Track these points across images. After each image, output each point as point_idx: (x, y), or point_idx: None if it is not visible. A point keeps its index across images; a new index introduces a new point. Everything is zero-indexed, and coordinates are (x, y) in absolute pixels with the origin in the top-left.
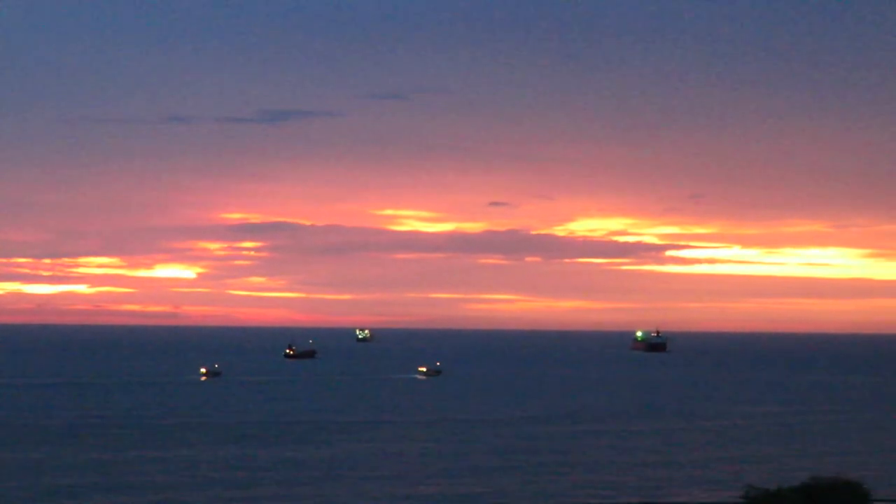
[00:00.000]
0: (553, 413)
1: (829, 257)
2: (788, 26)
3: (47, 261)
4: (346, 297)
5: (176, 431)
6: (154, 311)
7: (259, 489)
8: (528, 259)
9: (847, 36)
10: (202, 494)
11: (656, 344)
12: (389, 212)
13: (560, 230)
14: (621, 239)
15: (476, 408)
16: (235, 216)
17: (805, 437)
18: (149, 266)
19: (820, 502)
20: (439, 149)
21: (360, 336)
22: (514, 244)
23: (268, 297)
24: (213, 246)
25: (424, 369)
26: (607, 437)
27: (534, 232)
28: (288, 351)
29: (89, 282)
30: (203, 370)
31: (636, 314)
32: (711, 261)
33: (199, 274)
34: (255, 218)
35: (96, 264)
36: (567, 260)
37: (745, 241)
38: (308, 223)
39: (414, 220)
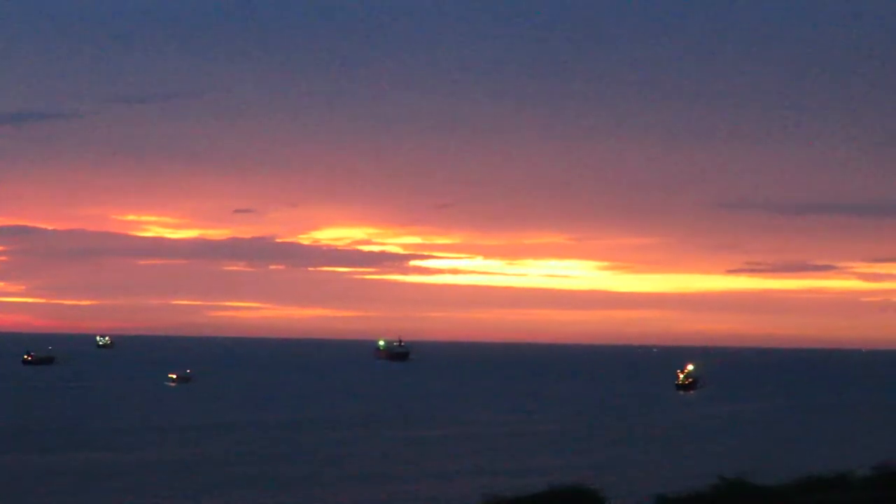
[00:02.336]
0: (302, 419)
1: (569, 269)
2: (534, 42)
3: None
4: (88, 302)
5: None
6: None
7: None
8: (273, 267)
9: (588, 55)
10: None
11: (399, 353)
12: (132, 217)
13: (305, 238)
14: (366, 248)
15: (230, 414)
16: None
17: (543, 443)
18: None
19: None
20: (184, 154)
21: (100, 342)
22: (258, 251)
23: (6, 301)
24: None
25: (175, 376)
26: (353, 445)
27: (279, 240)
28: (26, 357)
29: None
30: None
31: (380, 323)
32: (454, 271)
33: None
34: None
35: None
36: (311, 268)
37: (488, 252)
38: (50, 227)
39: (157, 227)
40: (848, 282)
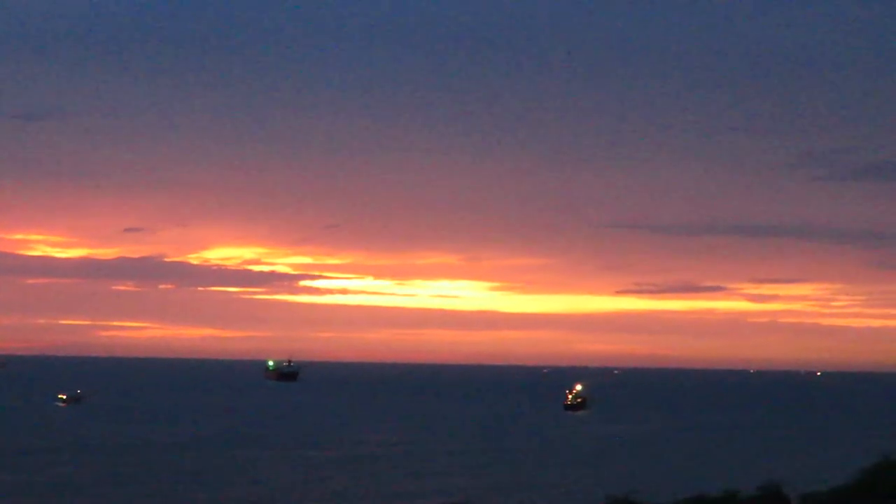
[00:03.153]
0: (190, 440)
1: (460, 289)
2: (423, 62)
3: None
4: None
5: None
6: None
7: None
8: (162, 286)
9: (478, 76)
10: None
11: (288, 373)
12: (20, 236)
13: (194, 258)
14: (255, 268)
15: (120, 434)
16: None
17: (433, 464)
18: None
19: None
20: (73, 173)
21: None
22: (148, 271)
23: None
24: None
25: (64, 396)
26: (240, 466)
27: (168, 259)
28: None
29: None
30: None
31: (269, 343)
32: (344, 291)
33: None
34: None
35: None
36: (201, 288)
37: (378, 273)
38: None
39: (45, 245)
40: (735, 303)
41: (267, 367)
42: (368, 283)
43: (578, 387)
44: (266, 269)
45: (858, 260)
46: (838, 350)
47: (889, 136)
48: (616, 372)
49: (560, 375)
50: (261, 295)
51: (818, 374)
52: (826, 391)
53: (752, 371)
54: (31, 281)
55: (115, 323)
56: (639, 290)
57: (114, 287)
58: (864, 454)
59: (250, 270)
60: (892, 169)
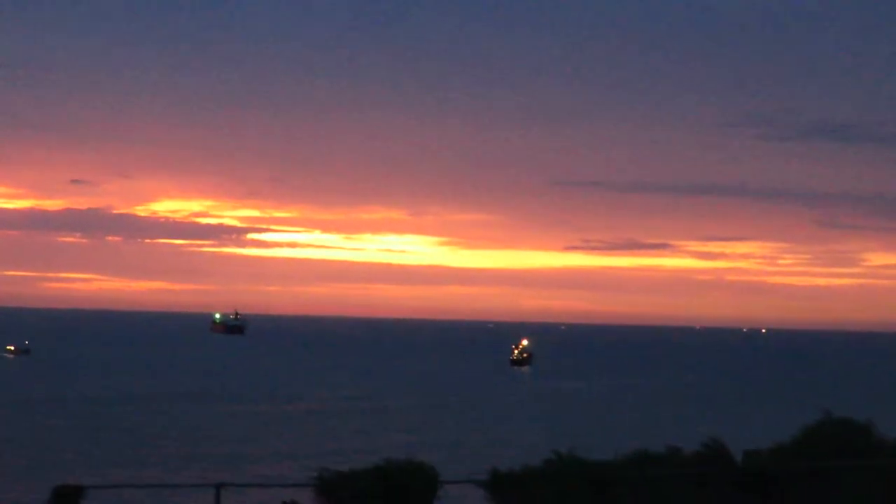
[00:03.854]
0: (138, 393)
1: (406, 244)
2: (371, 17)
3: None
4: None
5: None
6: None
7: None
8: (109, 238)
9: (425, 33)
10: None
11: (234, 326)
12: None
13: (142, 210)
14: (203, 221)
15: (72, 387)
16: None
17: (379, 419)
18: None
19: (392, 482)
20: (18, 124)
21: None
22: (94, 223)
23: None
24: None
25: (12, 348)
26: (189, 418)
27: (115, 211)
28: None
29: None
30: None
31: (216, 296)
32: (292, 245)
33: None
34: None
35: None
36: (148, 240)
37: (326, 226)
38: None
39: None
40: (681, 260)
41: (213, 321)
42: (316, 236)
43: (524, 342)
44: (213, 221)
45: (803, 219)
46: (783, 308)
47: (832, 97)
48: (562, 328)
49: (506, 331)
50: (208, 248)
51: (763, 331)
52: (771, 348)
53: (697, 328)
54: None
55: (62, 275)
56: (586, 247)
57: (60, 239)
58: (807, 412)
59: (198, 223)
60: (835, 129)
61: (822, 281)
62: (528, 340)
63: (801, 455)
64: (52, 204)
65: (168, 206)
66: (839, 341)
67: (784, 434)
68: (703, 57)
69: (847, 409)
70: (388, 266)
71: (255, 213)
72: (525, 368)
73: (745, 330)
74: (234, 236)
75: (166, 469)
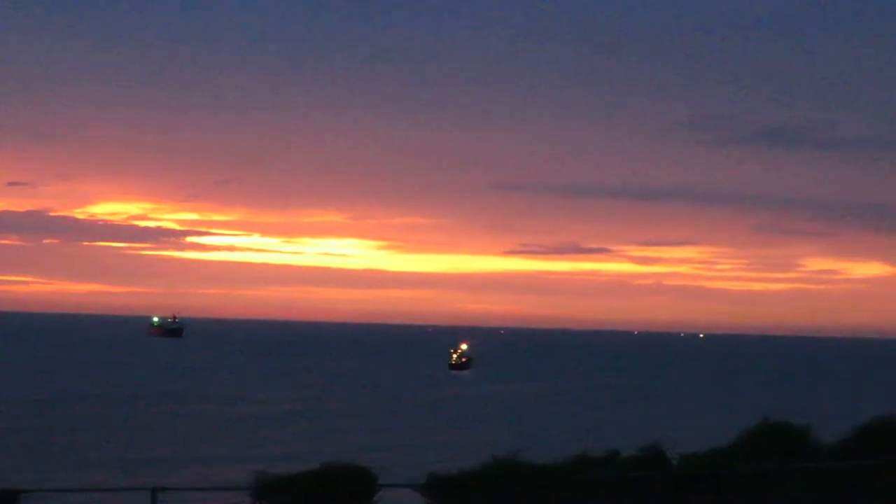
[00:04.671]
0: (74, 395)
1: (346, 248)
2: (310, 18)
3: None
4: None
5: None
6: None
7: None
8: (47, 241)
9: (362, 34)
10: None
11: (173, 329)
12: None
13: (80, 213)
14: (142, 223)
15: (9, 389)
16: None
17: (318, 423)
18: None
19: (330, 486)
20: None
21: None
22: (32, 225)
23: None
24: None
25: None
26: (127, 421)
27: (53, 214)
28: None
29: None
30: None
31: (155, 299)
32: (231, 248)
33: None
34: None
35: None
36: (87, 243)
37: (265, 230)
38: None
39: None
40: (620, 265)
41: (151, 324)
42: (255, 240)
43: (464, 346)
44: (153, 224)
45: (741, 224)
46: (721, 312)
47: (771, 103)
48: (502, 332)
49: (446, 335)
50: (147, 251)
51: (701, 335)
52: (708, 353)
53: (636, 333)
54: None
55: None
56: (525, 251)
57: None
58: (745, 415)
59: (136, 226)
60: (774, 135)
61: (759, 286)
62: (468, 344)
63: (739, 458)
64: None
65: (107, 209)
66: (776, 345)
67: (722, 437)
68: (645, 61)
69: (784, 412)
70: (328, 270)
71: (194, 216)
72: (465, 372)
73: (682, 334)
74: (173, 239)
75: (104, 472)
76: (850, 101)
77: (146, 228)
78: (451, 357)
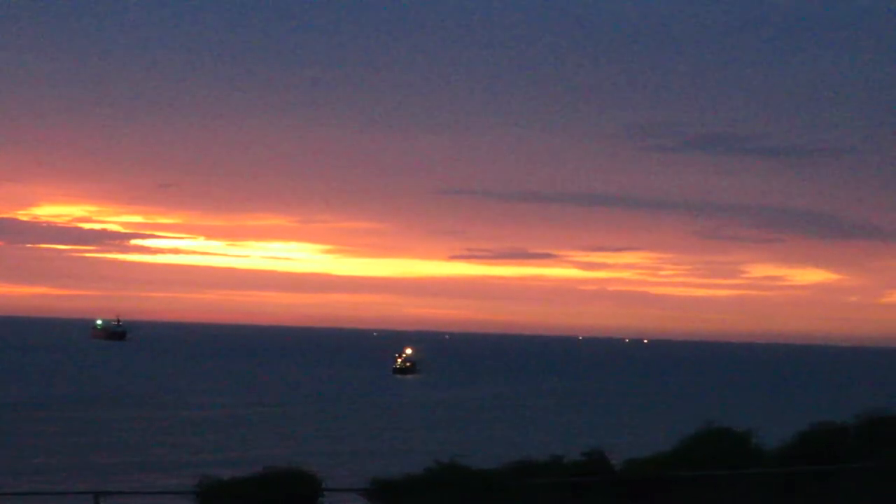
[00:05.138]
0: (19, 399)
1: (292, 251)
2: (263, 24)
3: None
4: None
5: None
6: None
7: None
8: None
9: (314, 42)
10: None
11: (116, 332)
12: None
13: (24, 214)
14: (86, 226)
15: None
16: None
17: (262, 427)
18: None
19: (273, 490)
20: None
21: None
22: None
23: None
24: None
25: None
26: (69, 425)
27: None
28: None
29: None
30: None
31: (99, 302)
32: (176, 251)
33: None
34: None
35: None
36: (30, 245)
37: (210, 233)
38: None
39: None
40: (565, 270)
41: (95, 327)
42: (200, 243)
43: (408, 351)
44: (97, 227)
45: (685, 230)
46: (665, 318)
47: (716, 109)
48: (447, 337)
49: (390, 339)
50: (91, 253)
51: (645, 341)
52: (652, 358)
53: (580, 338)
54: None
55: None
56: (470, 256)
57: None
58: (687, 421)
59: (81, 228)
60: (717, 142)
61: (702, 292)
62: (412, 349)
63: (681, 463)
64: None
65: (51, 211)
66: (719, 351)
67: (665, 443)
68: (589, 66)
69: (726, 418)
70: (274, 273)
71: (138, 218)
72: (409, 377)
73: (627, 340)
74: (117, 242)
75: (45, 477)
76: (793, 108)
77: (90, 231)
78: (396, 361)
